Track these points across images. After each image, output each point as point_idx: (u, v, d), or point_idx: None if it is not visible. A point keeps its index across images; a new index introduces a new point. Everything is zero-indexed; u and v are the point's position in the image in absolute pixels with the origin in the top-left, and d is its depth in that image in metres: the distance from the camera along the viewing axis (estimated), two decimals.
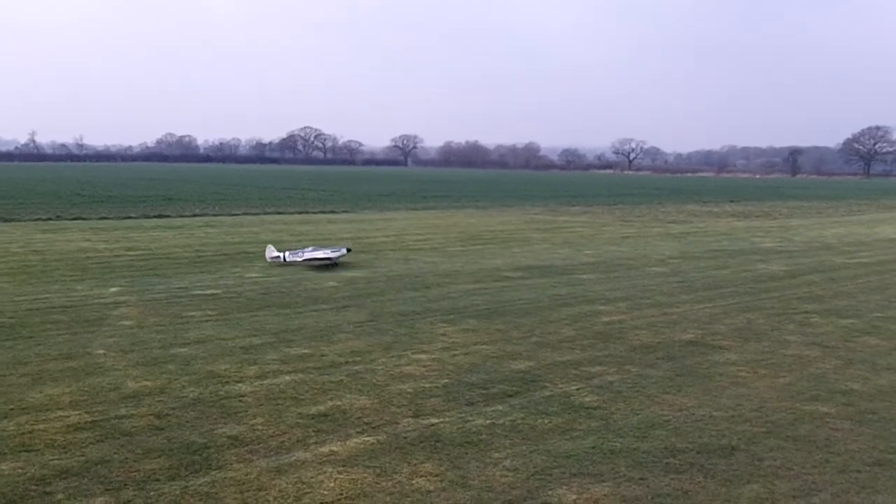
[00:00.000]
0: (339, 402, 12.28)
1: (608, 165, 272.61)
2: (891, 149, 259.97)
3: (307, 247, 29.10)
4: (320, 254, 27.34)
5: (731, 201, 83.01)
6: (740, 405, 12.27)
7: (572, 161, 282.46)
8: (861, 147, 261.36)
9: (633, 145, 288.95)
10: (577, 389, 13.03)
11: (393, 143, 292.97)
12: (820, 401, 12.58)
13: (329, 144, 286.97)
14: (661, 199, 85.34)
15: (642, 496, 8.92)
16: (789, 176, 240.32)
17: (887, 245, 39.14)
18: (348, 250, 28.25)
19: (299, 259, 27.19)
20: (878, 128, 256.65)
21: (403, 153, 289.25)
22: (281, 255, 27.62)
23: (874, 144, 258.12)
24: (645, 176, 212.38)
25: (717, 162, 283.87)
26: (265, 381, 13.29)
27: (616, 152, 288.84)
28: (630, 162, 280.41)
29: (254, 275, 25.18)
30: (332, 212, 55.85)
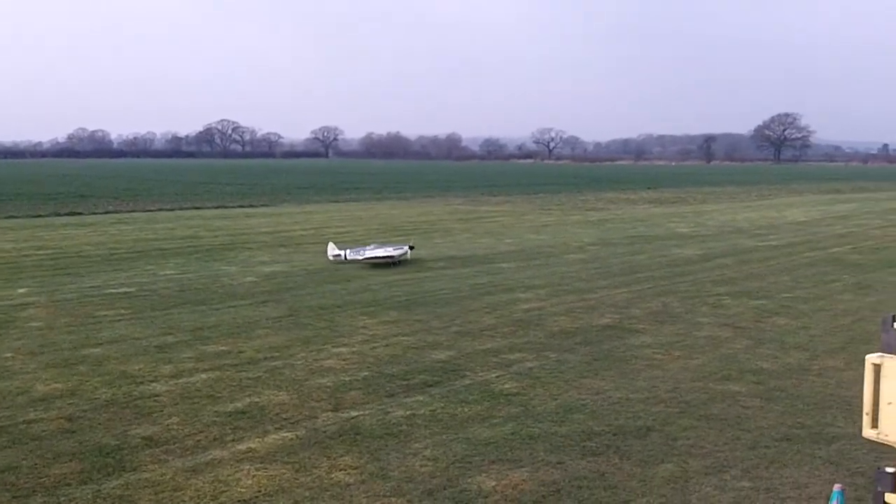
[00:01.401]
0: (257, 399, 12.12)
1: (529, 155, 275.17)
2: (799, 135, 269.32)
3: (369, 244, 27.73)
4: (381, 252, 25.94)
5: (648, 188, 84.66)
6: (655, 387, 12.52)
7: (493, 151, 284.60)
8: (771, 133, 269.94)
9: (553, 135, 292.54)
10: (497, 377, 13.12)
11: (313, 135, 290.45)
12: (731, 380, 12.92)
13: (247, 137, 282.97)
14: (580, 187, 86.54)
15: (560, 479, 9.02)
16: (704, 162, 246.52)
17: (796, 228, 40.44)
18: (411, 248, 26.92)
19: (360, 257, 25.69)
20: (787, 114, 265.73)
21: (324, 145, 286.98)
22: (342, 253, 26.12)
23: (784, 131, 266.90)
24: (565, 165, 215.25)
25: (635, 150, 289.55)
26: (180, 380, 13.03)
27: (536, 142, 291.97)
28: (550, 151, 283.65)
29: (169, 272, 24.66)
30: (250, 206, 55.08)
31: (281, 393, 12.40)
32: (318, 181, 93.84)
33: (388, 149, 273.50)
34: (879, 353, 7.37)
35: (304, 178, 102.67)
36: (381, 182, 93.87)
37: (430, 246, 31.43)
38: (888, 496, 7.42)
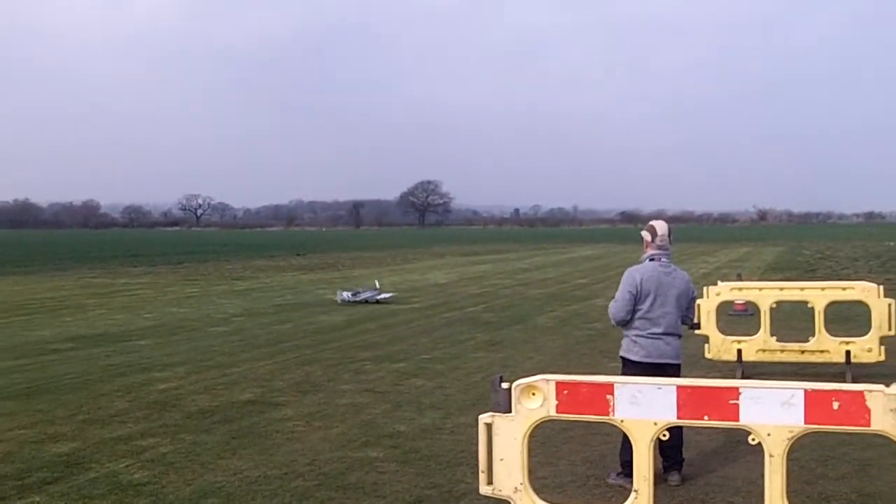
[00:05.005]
0: None
1: (175, 222, 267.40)
2: (441, 200, 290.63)
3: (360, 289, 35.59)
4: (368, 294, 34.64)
5: (298, 254, 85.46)
6: (294, 461, 12.34)
7: (137, 219, 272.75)
8: (416, 199, 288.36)
9: (201, 201, 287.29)
10: (127, 466, 12.19)
11: None
12: (370, 446, 13.11)
13: None
14: (228, 255, 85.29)
15: None
16: (354, 228, 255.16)
17: (437, 290, 42.78)
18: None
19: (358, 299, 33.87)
20: (429, 182, 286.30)
21: None
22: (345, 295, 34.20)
23: (427, 197, 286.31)
24: (213, 232, 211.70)
25: (286, 216, 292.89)
26: None
27: (183, 209, 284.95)
28: (198, 218, 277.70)
29: None
30: None
31: None
32: None
33: (14, 217, 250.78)
34: (490, 413, 7.82)
35: None
36: (3, 255, 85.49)
37: (57, 325, 28.92)
38: None
